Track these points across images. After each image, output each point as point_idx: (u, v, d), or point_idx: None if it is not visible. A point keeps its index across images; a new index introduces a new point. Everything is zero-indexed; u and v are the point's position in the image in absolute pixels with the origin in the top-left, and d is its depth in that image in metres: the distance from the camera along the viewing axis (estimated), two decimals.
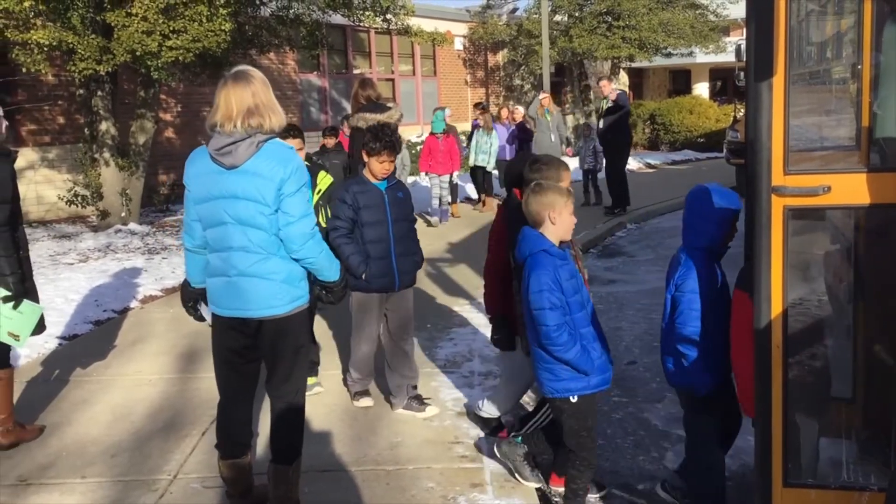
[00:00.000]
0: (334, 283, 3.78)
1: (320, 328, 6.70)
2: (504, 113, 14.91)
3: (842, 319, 3.48)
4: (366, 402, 5.27)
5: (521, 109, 14.27)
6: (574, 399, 3.67)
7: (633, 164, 18.86)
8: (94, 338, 7.08)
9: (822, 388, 3.54)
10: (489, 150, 13.75)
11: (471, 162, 14.02)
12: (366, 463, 4.46)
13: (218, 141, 3.48)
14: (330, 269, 3.72)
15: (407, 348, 5.16)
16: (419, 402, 5.15)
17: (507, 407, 4.74)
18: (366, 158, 4.90)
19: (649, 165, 22.10)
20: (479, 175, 14.24)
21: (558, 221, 3.66)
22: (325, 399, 5.39)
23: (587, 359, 3.62)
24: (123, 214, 12.28)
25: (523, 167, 4.17)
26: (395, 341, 5.14)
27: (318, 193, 5.27)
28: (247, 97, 3.47)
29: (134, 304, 8.19)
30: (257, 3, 11.51)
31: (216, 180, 3.51)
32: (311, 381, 5.26)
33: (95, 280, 8.84)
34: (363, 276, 4.84)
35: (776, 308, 3.06)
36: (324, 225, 5.08)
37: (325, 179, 5.41)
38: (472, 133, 14.44)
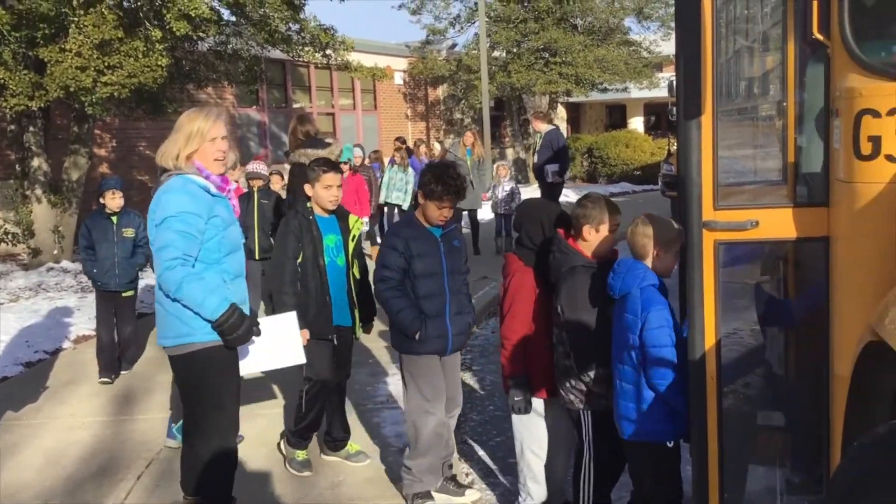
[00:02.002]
0: (214, 322, 3.52)
1: None
2: (422, 149, 14.42)
3: (773, 349, 3.58)
4: None
5: (437, 146, 14.00)
6: (670, 444, 3.50)
7: (572, 196, 19.10)
8: (24, 380, 6.88)
9: (756, 416, 3.62)
10: (405, 187, 12.80)
11: (382, 198, 12.81)
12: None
13: None
14: (200, 304, 3.49)
15: (451, 423, 4.51)
16: (457, 484, 4.51)
17: (562, 478, 4.18)
18: (422, 201, 4.27)
19: None
20: (384, 213, 13.20)
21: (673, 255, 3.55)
22: (266, 436, 5.30)
23: (684, 400, 3.45)
24: (56, 252, 12.00)
25: (552, 208, 4.09)
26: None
27: (352, 240, 4.75)
28: None
29: (66, 344, 7.98)
30: (195, 38, 11.43)
31: None
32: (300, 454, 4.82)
33: (26, 320, 8.58)
34: (417, 336, 4.19)
35: (710, 340, 3.13)
36: (357, 276, 4.77)
37: (357, 224, 4.85)
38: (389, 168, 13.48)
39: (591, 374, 3.72)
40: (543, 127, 12.93)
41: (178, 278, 3.45)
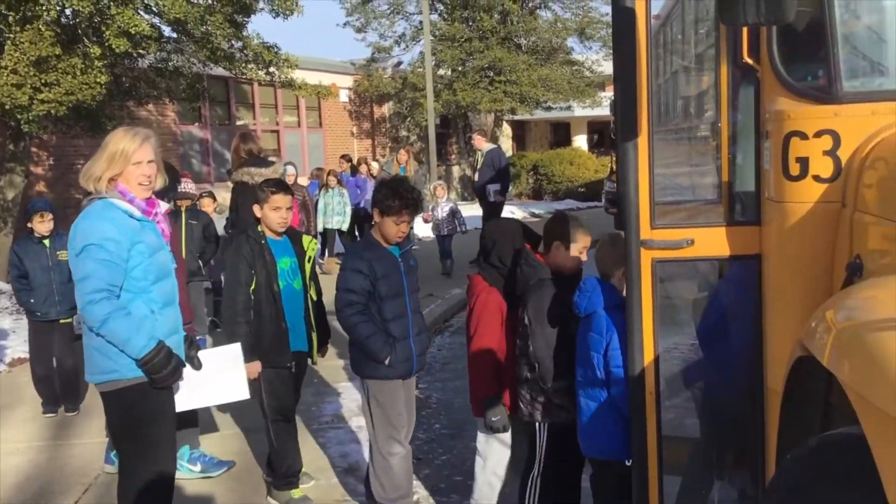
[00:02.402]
0: (139, 361, 3.33)
1: None
2: (363, 168, 14.59)
3: (710, 365, 3.65)
4: None
5: (375, 165, 14.04)
6: (628, 463, 3.44)
7: (518, 213, 19.28)
8: None
9: (694, 431, 3.68)
10: (343, 210, 12.81)
11: (320, 226, 12.63)
12: None
13: None
14: (125, 343, 3.30)
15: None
16: None
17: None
18: (377, 218, 4.17)
19: (533, 215, 22.62)
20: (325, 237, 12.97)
21: None
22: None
23: None
24: None
25: (519, 227, 4.15)
26: None
27: (308, 262, 4.63)
28: None
29: (1, 367, 7.77)
30: (134, 55, 11.28)
31: None
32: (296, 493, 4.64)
33: None
34: (387, 361, 4.07)
35: (648, 356, 3.18)
36: (314, 298, 4.65)
37: (312, 245, 4.74)
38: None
39: (554, 385, 3.75)
40: (485, 145, 13.05)
41: (104, 314, 3.26)
